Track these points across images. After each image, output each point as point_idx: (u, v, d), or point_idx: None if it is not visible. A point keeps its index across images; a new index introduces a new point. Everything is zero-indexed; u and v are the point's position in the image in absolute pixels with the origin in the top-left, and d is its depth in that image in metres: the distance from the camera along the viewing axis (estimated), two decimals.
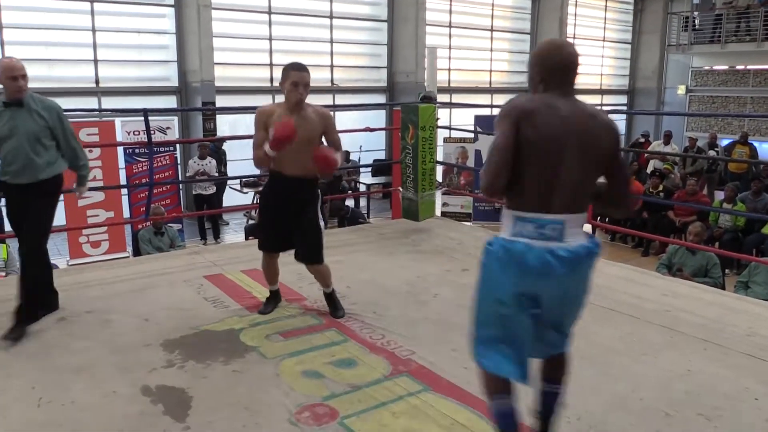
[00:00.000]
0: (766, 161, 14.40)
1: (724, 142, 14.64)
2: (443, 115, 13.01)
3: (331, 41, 13.10)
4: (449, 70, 15.16)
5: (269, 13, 12.24)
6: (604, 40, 18.59)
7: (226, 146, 10.83)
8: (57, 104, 3.55)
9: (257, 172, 10.62)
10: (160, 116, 9.62)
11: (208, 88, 11.11)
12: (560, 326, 2.17)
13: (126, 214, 8.72)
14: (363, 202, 11.79)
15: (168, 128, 9.47)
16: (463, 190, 11.34)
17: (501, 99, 16.31)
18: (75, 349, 3.21)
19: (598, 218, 8.49)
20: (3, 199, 3.65)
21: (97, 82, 10.74)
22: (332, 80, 12.95)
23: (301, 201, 3.45)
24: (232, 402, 2.71)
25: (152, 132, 6.40)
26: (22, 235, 3.44)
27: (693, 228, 6.07)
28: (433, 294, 4.08)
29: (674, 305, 3.91)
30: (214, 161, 10.10)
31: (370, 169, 12.16)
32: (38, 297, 3.48)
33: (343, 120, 11.94)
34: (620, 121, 18.46)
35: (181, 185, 10.59)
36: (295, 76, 3.29)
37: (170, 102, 11.58)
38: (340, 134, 3.64)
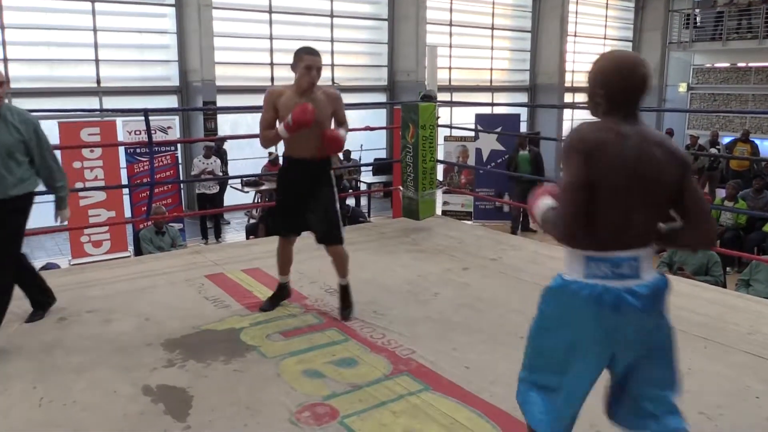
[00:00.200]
0: (767, 159, 14.38)
1: (726, 140, 14.63)
2: (444, 114, 13.01)
3: (332, 40, 13.10)
4: (450, 68, 15.16)
5: (270, 12, 12.24)
6: (605, 38, 18.57)
7: (227, 145, 10.84)
8: (35, 118, 3.32)
9: (258, 171, 10.70)
10: (161, 116, 9.62)
11: (209, 87, 11.12)
12: (655, 382, 1.91)
13: (127, 213, 8.74)
14: (364, 201, 11.80)
15: (169, 128, 9.47)
16: (464, 189, 11.34)
17: (502, 97, 16.35)
18: (76, 349, 3.21)
19: None
20: None
21: (98, 81, 10.76)
22: (333, 79, 12.95)
23: (315, 182, 3.47)
24: (232, 401, 2.71)
25: (153, 132, 6.42)
26: None
27: None
28: (433, 293, 4.08)
29: (675, 303, 3.86)
30: (219, 161, 10.13)
31: (370, 168, 12.16)
32: (6, 305, 3.33)
33: None
34: None
35: (182, 185, 10.60)
36: (309, 59, 3.31)
37: (171, 101, 11.59)
38: None
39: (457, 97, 14.78)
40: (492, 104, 15.09)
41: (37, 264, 7.65)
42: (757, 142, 14.11)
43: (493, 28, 16.00)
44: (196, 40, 10.98)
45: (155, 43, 11.45)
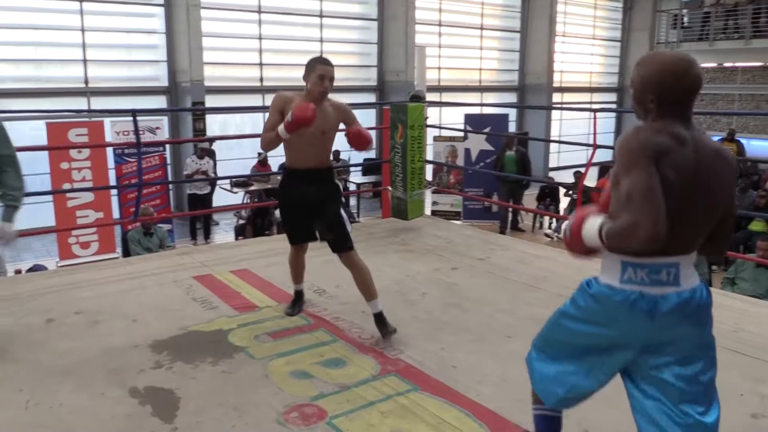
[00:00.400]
0: (753, 158, 14.50)
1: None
2: (433, 114, 13.04)
3: (321, 40, 13.10)
4: (439, 68, 15.20)
5: (259, 12, 12.23)
6: (593, 38, 18.67)
7: (216, 146, 10.83)
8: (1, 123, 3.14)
9: (247, 171, 10.69)
10: (149, 116, 9.60)
11: (197, 87, 11.09)
12: (692, 397, 1.80)
13: (116, 214, 8.70)
14: (353, 201, 11.80)
15: (158, 128, 9.45)
16: (453, 189, 11.36)
17: (491, 98, 16.41)
18: (63, 351, 3.20)
19: None
20: None
21: (86, 82, 10.71)
22: None
23: (318, 192, 3.40)
24: (220, 402, 2.71)
25: (142, 132, 6.42)
26: None
27: None
28: (421, 293, 4.09)
29: None
30: (212, 161, 10.12)
31: (360, 168, 12.17)
32: None
33: None
34: (610, 119, 18.55)
35: (170, 185, 10.58)
36: (322, 69, 3.28)
37: (160, 102, 11.56)
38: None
39: (447, 97, 14.82)
40: (481, 104, 15.13)
41: (25, 266, 7.65)
42: (743, 141, 14.23)
43: (482, 28, 16.06)
44: (184, 40, 10.95)
45: (144, 43, 11.41)
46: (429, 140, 6.96)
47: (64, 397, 2.75)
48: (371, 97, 13.99)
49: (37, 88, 10.23)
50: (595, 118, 6.21)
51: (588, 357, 1.89)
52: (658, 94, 1.76)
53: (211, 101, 11.38)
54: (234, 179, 10.11)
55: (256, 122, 12.43)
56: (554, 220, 10.87)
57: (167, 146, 10.45)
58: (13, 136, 3.19)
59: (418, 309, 3.82)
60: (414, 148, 5.78)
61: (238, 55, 12.28)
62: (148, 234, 7.22)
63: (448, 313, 3.77)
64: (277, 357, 3.12)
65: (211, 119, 11.79)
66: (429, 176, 9.57)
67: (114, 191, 8.80)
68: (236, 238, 9.39)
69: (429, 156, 6.92)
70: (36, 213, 8.27)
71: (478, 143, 11.20)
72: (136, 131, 5.17)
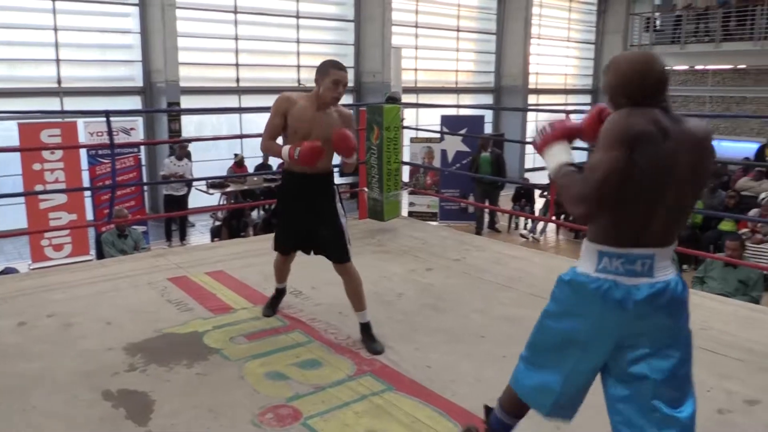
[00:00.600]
0: (722, 160, 14.73)
1: None
2: (410, 115, 13.09)
3: (298, 41, 13.09)
4: (416, 70, 15.26)
5: (235, 12, 12.18)
6: (568, 40, 18.88)
7: (191, 147, 10.75)
8: None
9: (223, 172, 10.63)
10: (124, 117, 9.51)
11: (173, 88, 11.01)
12: (667, 387, 1.83)
13: (89, 216, 8.61)
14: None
15: (132, 129, 9.36)
16: (429, 190, 11.41)
17: (467, 99, 16.50)
18: (35, 354, 3.17)
19: (561, 217, 8.62)
20: None
21: (59, 82, 10.58)
22: (299, 80, 12.93)
23: (316, 198, 3.34)
24: (194, 405, 2.70)
25: (116, 133, 6.36)
26: None
27: None
28: (397, 294, 4.12)
29: None
30: (191, 164, 10.04)
31: (337, 169, 12.15)
32: None
33: None
34: None
35: (145, 187, 10.48)
36: (337, 74, 3.18)
37: (135, 102, 11.45)
38: None
39: (423, 98, 14.88)
40: (457, 106, 15.22)
41: None
42: (714, 143, 14.46)
43: (458, 30, 16.16)
44: (159, 40, 10.87)
45: (118, 42, 11.30)
46: (406, 141, 7.00)
47: (36, 401, 2.73)
48: (348, 99, 13.98)
49: (9, 88, 10.08)
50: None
51: (569, 358, 1.91)
52: (629, 94, 1.81)
53: (186, 102, 11.30)
54: (210, 180, 10.05)
55: (232, 123, 12.38)
56: (529, 220, 10.98)
57: (142, 147, 10.36)
58: None
59: (394, 310, 3.84)
60: (390, 149, 5.81)
61: (213, 56, 12.21)
62: (123, 236, 7.16)
63: (423, 313, 3.79)
64: (252, 358, 3.13)
65: (186, 120, 11.71)
66: (406, 177, 9.61)
67: (87, 193, 8.71)
68: (212, 240, 9.34)
69: (406, 157, 6.96)
70: (7, 215, 8.17)
71: (454, 144, 11.27)
72: (110, 132, 5.12)
